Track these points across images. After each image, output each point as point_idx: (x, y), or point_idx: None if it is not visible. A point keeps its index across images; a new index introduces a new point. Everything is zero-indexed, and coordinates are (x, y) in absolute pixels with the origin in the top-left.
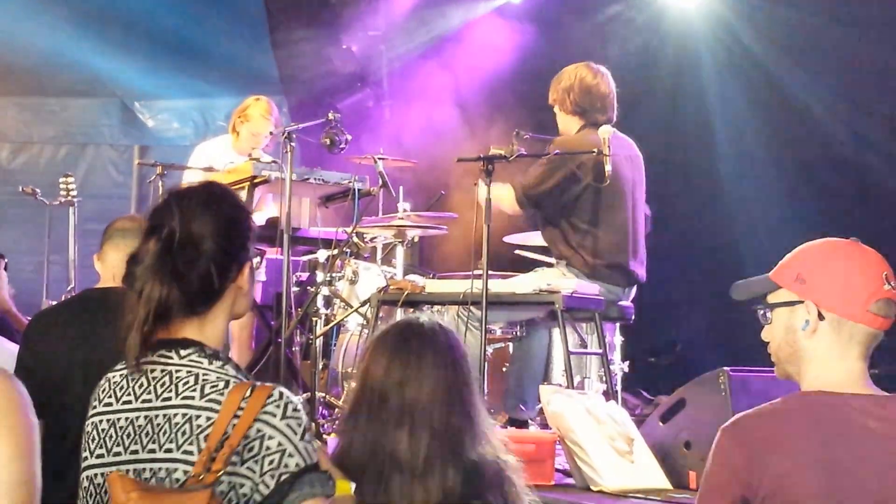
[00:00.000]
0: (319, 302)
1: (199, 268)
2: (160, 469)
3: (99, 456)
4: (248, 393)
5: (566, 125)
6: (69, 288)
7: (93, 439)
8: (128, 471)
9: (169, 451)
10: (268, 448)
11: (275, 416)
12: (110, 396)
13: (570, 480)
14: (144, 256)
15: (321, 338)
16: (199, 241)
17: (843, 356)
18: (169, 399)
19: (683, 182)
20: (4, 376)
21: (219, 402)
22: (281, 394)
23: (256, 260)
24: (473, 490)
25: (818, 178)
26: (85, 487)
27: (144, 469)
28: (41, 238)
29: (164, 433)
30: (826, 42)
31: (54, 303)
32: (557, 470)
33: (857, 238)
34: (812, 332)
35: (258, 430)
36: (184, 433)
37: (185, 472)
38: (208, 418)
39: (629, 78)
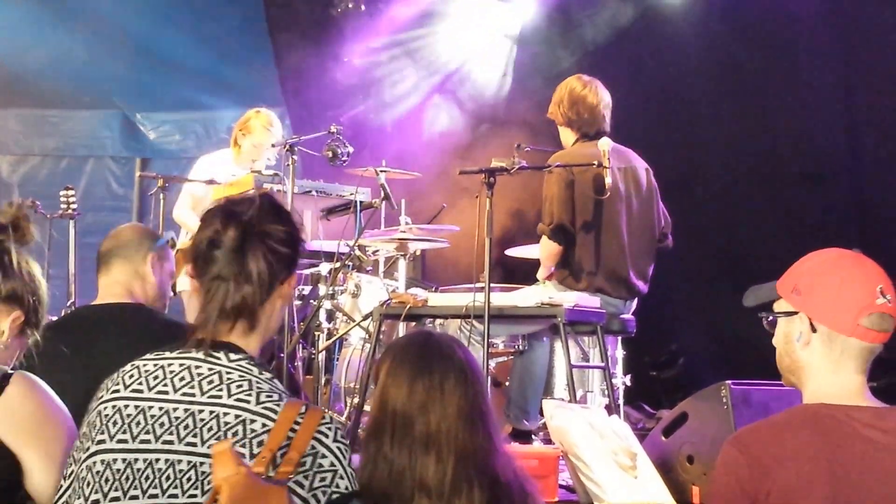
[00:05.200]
0: (322, 316)
1: (262, 264)
2: (203, 464)
3: (121, 441)
4: (302, 410)
5: (564, 137)
6: (69, 302)
7: (114, 423)
8: (157, 459)
9: None
10: (320, 465)
11: (328, 436)
12: (140, 383)
13: (574, 496)
14: (223, 241)
15: (323, 352)
16: (270, 235)
17: (837, 370)
18: (219, 397)
19: (684, 193)
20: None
21: (275, 412)
22: (331, 418)
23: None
24: None
25: (821, 187)
26: (97, 472)
27: (181, 461)
28: (41, 251)
29: (210, 430)
30: (821, 49)
31: (54, 318)
32: (561, 486)
33: (859, 249)
34: (805, 345)
35: (313, 447)
36: (236, 433)
37: None
38: (264, 425)
39: (621, 86)
